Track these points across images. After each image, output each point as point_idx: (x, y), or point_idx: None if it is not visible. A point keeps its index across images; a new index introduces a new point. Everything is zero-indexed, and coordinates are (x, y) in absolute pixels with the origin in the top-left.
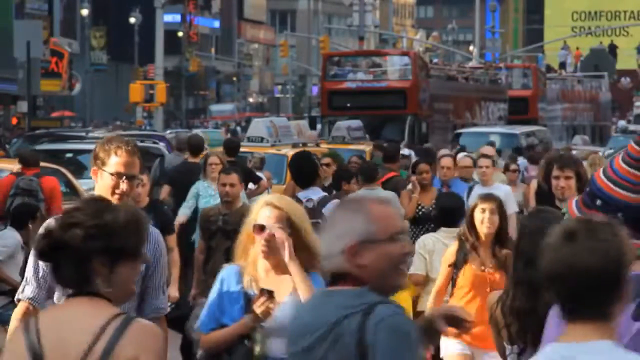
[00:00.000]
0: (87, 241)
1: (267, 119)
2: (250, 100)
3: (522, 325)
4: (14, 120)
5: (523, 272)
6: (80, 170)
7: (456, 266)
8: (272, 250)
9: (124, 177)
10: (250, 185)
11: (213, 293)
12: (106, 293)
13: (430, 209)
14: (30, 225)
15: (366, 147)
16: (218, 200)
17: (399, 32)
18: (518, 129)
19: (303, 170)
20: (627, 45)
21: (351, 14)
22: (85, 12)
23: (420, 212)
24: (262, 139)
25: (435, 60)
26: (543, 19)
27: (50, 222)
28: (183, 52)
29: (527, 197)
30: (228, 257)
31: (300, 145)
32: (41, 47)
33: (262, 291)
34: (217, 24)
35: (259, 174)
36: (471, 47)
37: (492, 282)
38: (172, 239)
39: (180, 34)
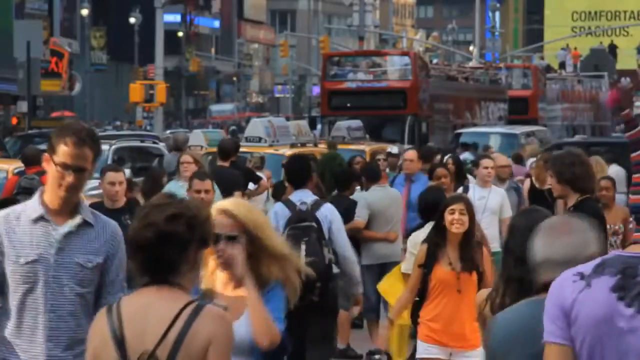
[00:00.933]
0: (190, 231)
1: (265, 119)
2: (250, 100)
3: None
4: (14, 120)
5: (513, 270)
6: None
7: (426, 267)
8: (227, 262)
9: (70, 169)
10: (251, 185)
11: None
12: (185, 279)
13: None
14: None
15: (366, 147)
16: None
17: (399, 32)
18: (518, 129)
19: (295, 171)
20: (627, 45)
21: (351, 14)
22: (85, 12)
23: None
24: (260, 139)
25: (435, 61)
26: (543, 19)
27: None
28: (183, 52)
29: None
30: None
31: (299, 145)
32: (41, 47)
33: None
34: (217, 24)
35: (259, 173)
36: (471, 47)
37: (461, 282)
38: None
39: (180, 34)
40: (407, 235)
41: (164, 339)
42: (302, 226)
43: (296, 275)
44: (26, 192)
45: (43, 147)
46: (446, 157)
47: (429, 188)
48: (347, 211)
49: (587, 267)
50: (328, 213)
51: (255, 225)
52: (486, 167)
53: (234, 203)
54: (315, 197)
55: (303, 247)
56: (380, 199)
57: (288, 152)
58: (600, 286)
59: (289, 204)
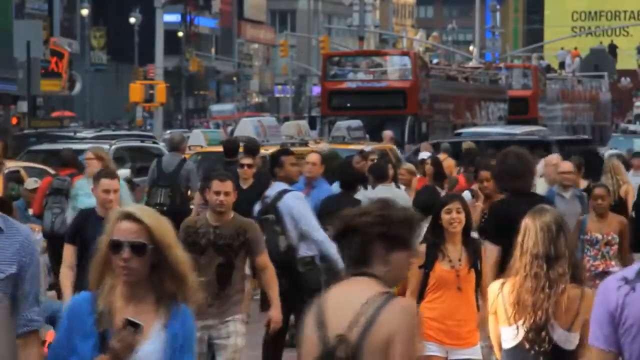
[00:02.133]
0: (372, 227)
1: (255, 118)
2: (251, 100)
3: (525, 312)
4: (14, 120)
5: (529, 267)
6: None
7: (426, 267)
8: (132, 273)
9: None
10: None
11: (60, 328)
12: (381, 273)
13: None
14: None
15: (366, 147)
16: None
17: (399, 32)
18: (518, 129)
19: (271, 165)
20: (627, 45)
21: (351, 14)
22: (85, 12)
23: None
24: None
25: (435, 61)
26: (543, 19)
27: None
28: (183, 52)
29: None
30: (219, 274)
31: (289, 145)
32: (41, 47)
33: (127, 322)
34: (217, 24)
35: None
36: (471, 47)
37: (461, 280)
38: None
39: (180, 34)
40: None
41: (354, 324)
42: (262, 218)
43: (195, 295)
44: (57, 192)
45: (40, 147)
46: (426, 158)
47: (422, 189)
48: None
49: (630, 273)
50: (290, 201)
51: (162, 234)
52: None
53: (139, 208)
54: (284, 188)
55: (264, 238)
56: None
57: None
58: None
59: (262, 199)
